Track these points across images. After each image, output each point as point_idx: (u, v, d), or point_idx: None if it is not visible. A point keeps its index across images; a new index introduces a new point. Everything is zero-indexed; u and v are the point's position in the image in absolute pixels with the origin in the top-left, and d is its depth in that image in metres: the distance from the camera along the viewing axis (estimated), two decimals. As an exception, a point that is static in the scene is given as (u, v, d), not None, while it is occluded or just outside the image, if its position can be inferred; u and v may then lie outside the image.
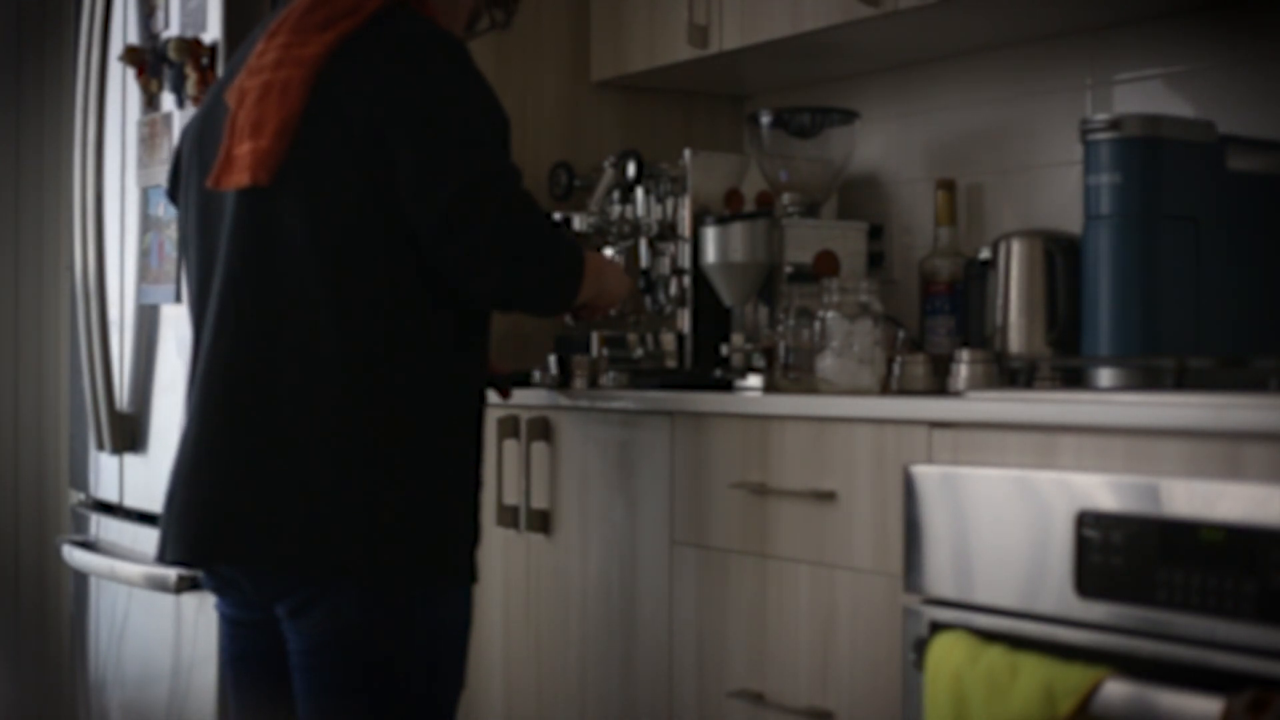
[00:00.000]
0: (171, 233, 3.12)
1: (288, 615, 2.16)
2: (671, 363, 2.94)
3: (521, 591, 2.75)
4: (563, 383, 2.72)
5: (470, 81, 2.16)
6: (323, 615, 2.12)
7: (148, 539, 3.17)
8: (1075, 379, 2.28)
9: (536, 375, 2.75)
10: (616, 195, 3.03)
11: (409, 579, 2.14)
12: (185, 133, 2.36)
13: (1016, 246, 2.49)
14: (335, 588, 2.11)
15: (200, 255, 2.25)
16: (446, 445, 2.17)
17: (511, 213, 2.12)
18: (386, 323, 2.12)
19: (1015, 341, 2.46)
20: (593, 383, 2.70)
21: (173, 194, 2.42)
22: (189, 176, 2.30)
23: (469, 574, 2.21)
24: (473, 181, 2.10)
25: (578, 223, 2.98)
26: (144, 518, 3.25)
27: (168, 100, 3.15)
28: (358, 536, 2.09)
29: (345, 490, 2.09)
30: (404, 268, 2.12)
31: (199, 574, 2.46)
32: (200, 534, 2.16)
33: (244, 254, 2.15)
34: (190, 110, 3.04)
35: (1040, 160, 2.85)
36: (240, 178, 2.14)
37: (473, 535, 2.21)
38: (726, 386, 2.54)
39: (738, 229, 2.76)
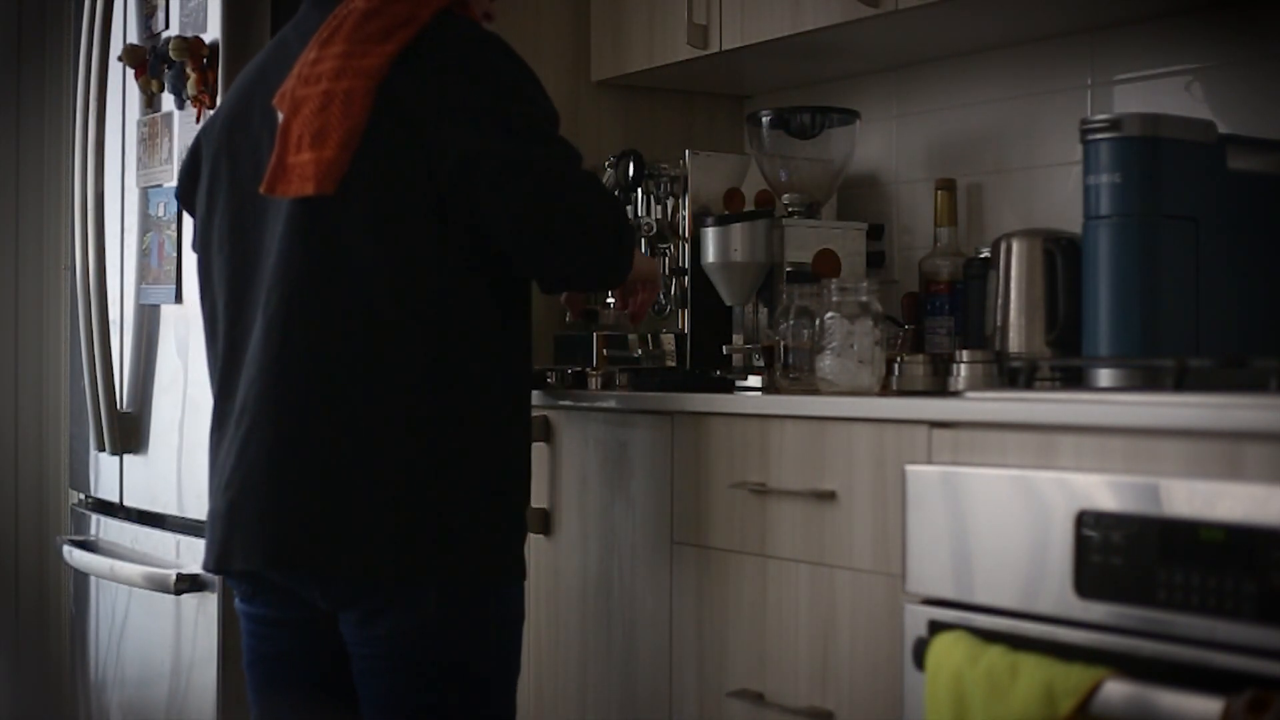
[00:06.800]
0: (171, 233, 3.11)
1: (359, 621, 2.17)
2: (671, 363, 2.94)
3: (521, 591, 2.75)
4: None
5: (529, 77, 2.22)
6: (400, 616, 2.15)
7: (148, 539, 3.17)
8: (1075, 379, 2.28)
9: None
10: (616, 195, 3.03)
11: (480, 576, 2.19)
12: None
13: (1016, 246, 2.49)
14: (412, 589, 2.14)
15: (236, 261, 2.24)
16: (505, 446, 2.22)
17: (587, 197, 2.21)
18: (452, 331, 2.15)
19: (1015, 341, 2.46)
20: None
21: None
22: (215, 181, 2.29)
23: (524, 569, 2.26)
24: (548, 170, 2.16)
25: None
26: (144, 518, 3.25)
27: (168, 100, 3.15)
28: (434, 539, 2.13)
29: (420, 495, 2.12)
30: (468, 277, 2.15)
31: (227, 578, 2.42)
32: (278, 541, 2.14)
33: (305, 264, 2.15)
34: (190, 110, 3.04)
35: (1040, 160, 2.85)
36: (302, 186, 2.13)
37: (524, 531, 2.26)
38: (726, 386, 2.54)
39: (738, 229, 2.77)
